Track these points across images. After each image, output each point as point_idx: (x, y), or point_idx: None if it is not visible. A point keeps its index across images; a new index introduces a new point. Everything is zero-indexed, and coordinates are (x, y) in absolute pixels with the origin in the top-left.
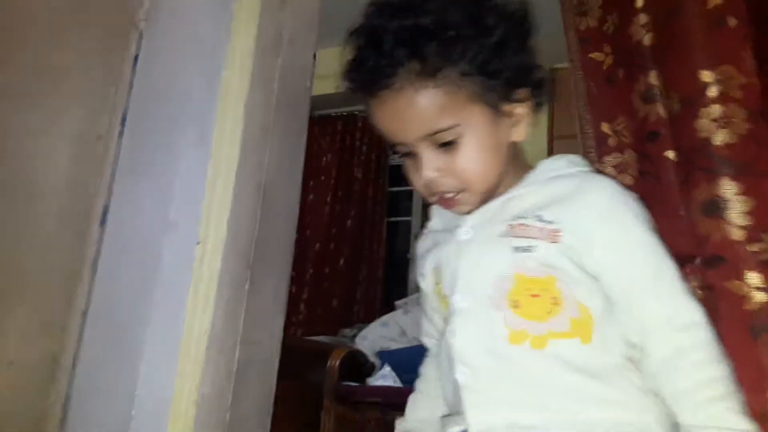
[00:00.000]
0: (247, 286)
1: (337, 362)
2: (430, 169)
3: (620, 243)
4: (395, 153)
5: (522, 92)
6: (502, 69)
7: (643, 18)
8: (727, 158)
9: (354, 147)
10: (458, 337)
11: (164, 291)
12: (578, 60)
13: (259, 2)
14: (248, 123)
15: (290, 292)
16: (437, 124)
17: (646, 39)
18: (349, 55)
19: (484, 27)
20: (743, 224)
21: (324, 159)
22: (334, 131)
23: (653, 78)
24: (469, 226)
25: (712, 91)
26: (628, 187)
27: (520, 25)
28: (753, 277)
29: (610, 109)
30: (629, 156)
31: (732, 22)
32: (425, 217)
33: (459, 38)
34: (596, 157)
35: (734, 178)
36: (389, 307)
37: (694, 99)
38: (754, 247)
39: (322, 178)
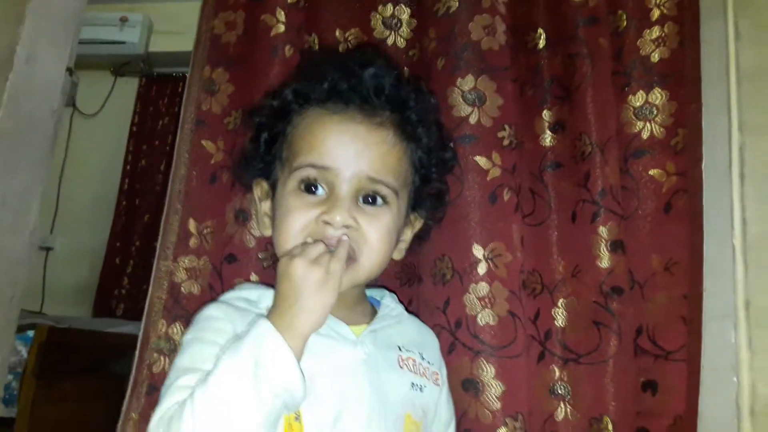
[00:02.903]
0: None
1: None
2: (347, 213)
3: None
4: (299, 176)
5: (418, 218)
6: (434, 180)
7: None
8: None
9: None
10: None
11: None
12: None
13: None
14: None
15: (114, 263)
16: (387, 176)
17: None
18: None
19: (446, 139)
20: (495, 408)
21: (160, 122)
22: (174, 92)
23: None
24: (368, 341)
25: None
26: None
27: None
28: None
29: (207, 207)
30: (204, 263)
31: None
32: None
33: (430, 130)
34: (171, 255)
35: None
36: None
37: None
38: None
39: (156, 143)
